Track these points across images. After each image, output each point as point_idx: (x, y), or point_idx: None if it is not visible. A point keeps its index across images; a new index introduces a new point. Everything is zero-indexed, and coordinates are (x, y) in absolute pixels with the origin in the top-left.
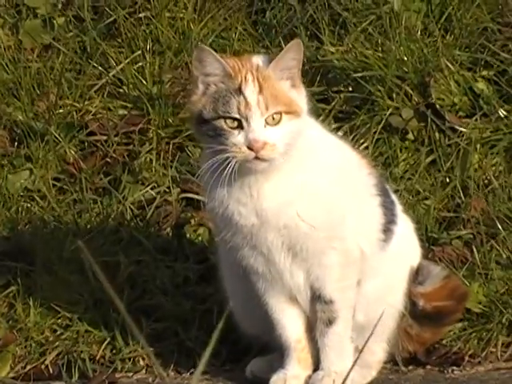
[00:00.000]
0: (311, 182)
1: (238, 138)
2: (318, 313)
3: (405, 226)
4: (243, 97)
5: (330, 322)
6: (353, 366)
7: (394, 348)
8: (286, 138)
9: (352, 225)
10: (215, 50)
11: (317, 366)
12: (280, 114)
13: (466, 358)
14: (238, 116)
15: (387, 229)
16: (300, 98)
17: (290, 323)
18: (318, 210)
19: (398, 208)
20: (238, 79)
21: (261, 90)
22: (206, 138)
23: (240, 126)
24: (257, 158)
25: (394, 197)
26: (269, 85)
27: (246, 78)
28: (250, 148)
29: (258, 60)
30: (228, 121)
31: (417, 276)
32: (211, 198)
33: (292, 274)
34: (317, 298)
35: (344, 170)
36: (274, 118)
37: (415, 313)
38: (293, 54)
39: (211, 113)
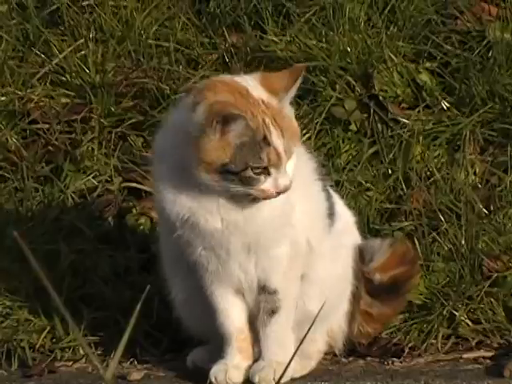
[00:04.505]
0: None
1: (265, 184)
2: (262, 303)
3: (339, 202)
4: (273, 147)
5: (272, 312)
6: (293, 355)
7: (349, 335)
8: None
9: (299, 216)
10: (158, 39)
11: (257, 359)
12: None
13: (406, 350)
14: (268, 165)
15: (331, 212)
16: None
17: (234, 312)
18: (279, 203)
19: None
20: (260, 129)
21: (282, 134)
22: (226, 183)
23: (267, 172)
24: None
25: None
26: (284, 123)
27: (265, 123)
28: (277, 192)
29: (254, 91)
30: (256, 170)
31: (363, 256)
32: (173, 203)
33: (246, 271)
34: (261, 288)
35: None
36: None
37: (373, 290)
38: (299, 81)
39: (240, 165)
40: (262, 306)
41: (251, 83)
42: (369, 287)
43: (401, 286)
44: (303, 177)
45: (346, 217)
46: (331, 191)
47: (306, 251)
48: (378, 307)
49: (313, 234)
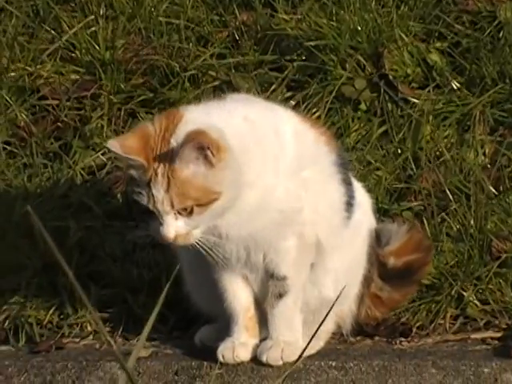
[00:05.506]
0: (264, 192)
1: (154, 223)
2: (270, 287)
3: (358, 189)
4: (151, 193)
5: (280, 295)
6: (309, 342)
7: (357, 318)
8: (203, 223)
9: (309, 214)
10: (168, 17)
11: (263, 338)
12: (191, 207)
13: (414, 330)
14: (149, 207)
15: (349, 204)
16: (219, 178)
17: (241, 293)
18: (275, 209)
19: (352, 174)
20: (149, 172)
21: (168, 188)
22: None
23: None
24: None
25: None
26: (177, 181)
27: (156, 172)
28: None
29: (177, 137)
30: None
31: (380, 240)
32: None
33: (254, 264)
34: (270, 275)
35: (300, 162)
36: (185, 209)
37: (386, 274)
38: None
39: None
40: (271, 289)
41: (178, 139)
42: (381, 271)
43: (413, 273)
44: (316, 174)
45: (364, 203)
46: (353, 180)
47: (313, 244)
48: (388, 291)
49: (323, 233)
